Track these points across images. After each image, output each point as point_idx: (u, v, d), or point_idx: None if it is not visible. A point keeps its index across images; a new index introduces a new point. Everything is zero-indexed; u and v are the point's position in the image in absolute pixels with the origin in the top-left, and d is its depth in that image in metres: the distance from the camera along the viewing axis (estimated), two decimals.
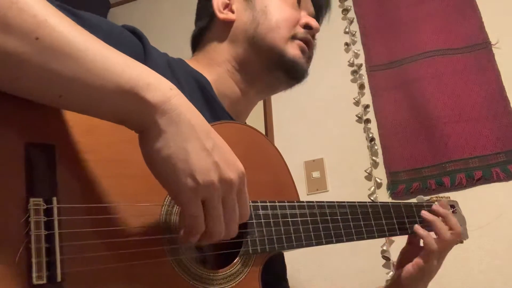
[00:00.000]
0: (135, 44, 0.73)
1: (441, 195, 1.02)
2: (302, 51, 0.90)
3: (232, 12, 0.91)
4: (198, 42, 0.97)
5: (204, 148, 0.50)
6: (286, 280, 0.91)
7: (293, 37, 0.89)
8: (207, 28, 0.94)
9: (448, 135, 1.88)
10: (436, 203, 0.96)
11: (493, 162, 1.81)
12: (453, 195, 1.83)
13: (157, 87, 0.50)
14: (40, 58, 0.44)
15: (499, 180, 1.79)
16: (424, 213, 0.91)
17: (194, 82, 0.82)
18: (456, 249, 1.73)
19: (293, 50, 0.88)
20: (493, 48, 1.98)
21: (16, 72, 0.44)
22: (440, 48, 2.04)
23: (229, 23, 0.91)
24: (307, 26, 0.91)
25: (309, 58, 0.93)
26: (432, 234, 0.89)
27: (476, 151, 1.85)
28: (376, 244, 1.81)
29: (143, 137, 0.50)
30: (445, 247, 0.89)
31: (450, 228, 0.90)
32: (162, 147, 0.49)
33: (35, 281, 0.44)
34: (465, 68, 1.98)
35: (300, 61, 0.89)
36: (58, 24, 0.46)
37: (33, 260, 0.45)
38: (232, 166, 0.52)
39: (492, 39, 1.99)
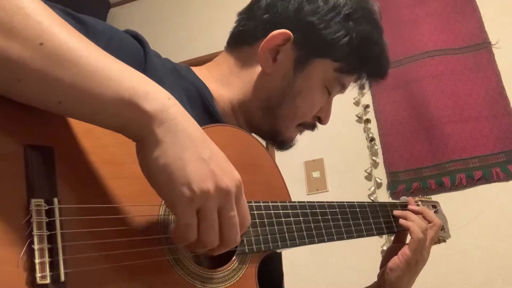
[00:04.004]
0: (136, 49, 0.73)
1: (423, 197, 1.05)
2: (300, 133, 0.90)
3: (274, 60, 0.82)
4: (233, 44, 0.89)
5: (200, 157, 0.50)
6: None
7: (299, 124, 0.87)
8: (246, 43, 0.86)
9: (448, 135, 1.89)
10: (419, 202, 1.00)
11: (493, 162, 1.82)
12: (453, 195, 1.85)
13: (155, 96, 0.50)
14: (42, 63, 0.45)
15: (499, 180, 1.80)
16: (396, 212, 0.94)
17: (195, 91, 0.81)
18: (456, 249, 1.74)
19: (291, 133, 0.87)
20: (493, 48, 1.98)
21: (17, 75, 0.45)
22: (440, 48, 2.04)
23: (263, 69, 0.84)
24: (318, 119, 0.89)
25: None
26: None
27: (476, 151, 1.85)
28: (376, 244, 1.82)
29: (140, 146, 0.50)
30: (425, 238, 0.90)
31: (429, 222, 0.93)
32: (159, 156, 0.49)
33: (39, 281, 0.44)
34: (465, 68, 1.98)
35: (291, 142, 0.88)
36: (62, 32, 0.47)
37: (36, 261, 0.44)
38: (229, 174, 0.52)
39: (492, 39, 1.99)
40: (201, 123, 0.76)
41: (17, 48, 0.44)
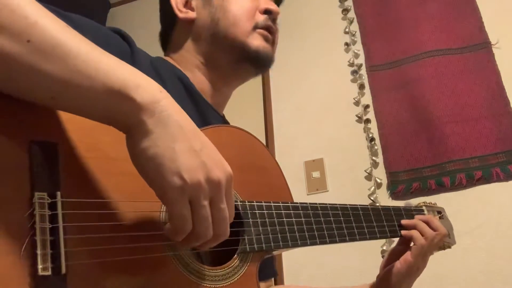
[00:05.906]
0: (121, 45, 0.75)
1: (428, 201, 1.04)
2: (266, 39, 0.91)
3: (192, 9, 0.92)
4: (166, 41, 0.98)
5: (192, 148, 0.50)
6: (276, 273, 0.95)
7: (255, 28, 0.90)
8: (171, 27, 0.96)
9: (448, 135, 1.89)
10: (423, 207, 1.01)
11: (493, 162, 1.81)
12: (453, 195, 1.84)
13: (146, 88, 0.50)
14: (31, 60, 0.45)
15: (499, 180, 1.80)
16: (404, 221, 0.94)
17: (177, 80, 0.85)
18: (456, 249, 1.73)
19: (255, 41, 0.89)
20: (493, 48, 1.98)
21: (7, 72, 0.45)
22: (440, 48, 2.04)
23: (190, 22, 0.92)
24: (267, 11, 0.91)
25: (273, 43, 0.94)
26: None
27: (476, 151, 1.85)
28: (376, 244, 1.81)
29: (129, 137, 0.50)
30: (429, 245, 0.91)
31: (435, 230, 0.93)
32: (148, 146, 0.48)
33: (40, 272, 0.45)
34: (465, 68, 1.98)
35: (264, 50, 0.90)
36: (49, 26, 0.47)
37: (38, 252, 0.45)
38: (220, 166, 0.52)
39: (492, 39, 1.99)
40: (188, 109, 0.78)
41: (4, 44, 0.44)
